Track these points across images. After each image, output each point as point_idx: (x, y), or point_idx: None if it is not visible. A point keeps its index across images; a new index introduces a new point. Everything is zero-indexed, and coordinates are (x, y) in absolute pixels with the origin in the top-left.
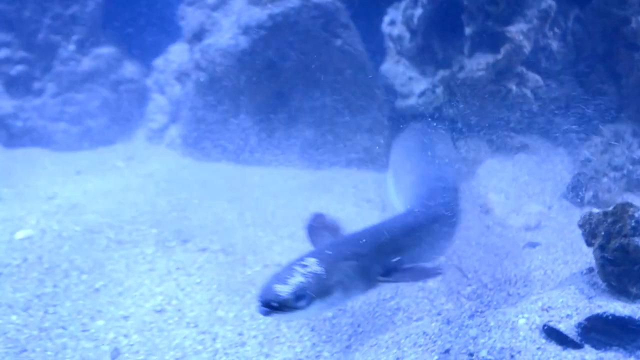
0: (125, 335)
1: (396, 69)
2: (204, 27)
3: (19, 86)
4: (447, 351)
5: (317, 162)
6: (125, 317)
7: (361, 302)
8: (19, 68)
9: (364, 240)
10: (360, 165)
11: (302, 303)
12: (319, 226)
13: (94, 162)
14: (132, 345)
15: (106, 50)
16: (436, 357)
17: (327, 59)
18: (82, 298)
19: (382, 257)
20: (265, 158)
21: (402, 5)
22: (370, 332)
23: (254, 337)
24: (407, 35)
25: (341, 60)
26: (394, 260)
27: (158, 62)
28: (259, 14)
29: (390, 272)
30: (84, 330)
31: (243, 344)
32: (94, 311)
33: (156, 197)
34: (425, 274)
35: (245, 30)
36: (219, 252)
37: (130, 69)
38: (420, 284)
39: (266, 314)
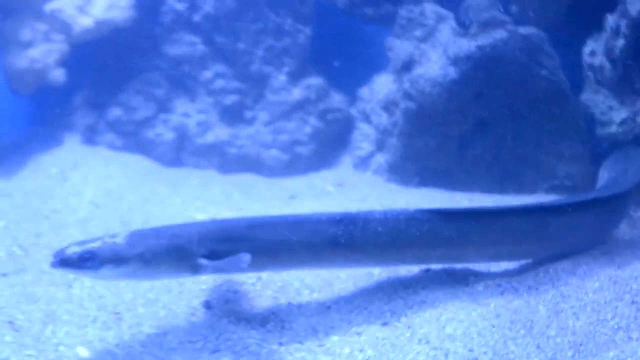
0: (360, 350)
1: (596, 98)
2: (412, 57)
3: (233, 115)
4: None
5: (520, 189)
6: (358, 334)
7: (582, 322)
8: (233, 98)
9: (197, 227)
10: (562, 192)
11: (89, 264)
12: None
13: (305, 187)
14: (367, 359)
15: (315, 81)
16: None
17: (531, 88)
18: (315, 315)
19: (209, 244)
20: (470, 184)
21: (604, 36)
22: (592, 350)
23: (484, 353)
24: (607, 65)
25: (545, 90)
26: (228, 248)
27: (363, 92)
28: (467, 45)
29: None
30: (320, 345)
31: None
32: (327, 327)
33: None
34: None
35: (455, 61)
36: (442, 272)
37: (337, 98)
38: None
39: (54, 266)
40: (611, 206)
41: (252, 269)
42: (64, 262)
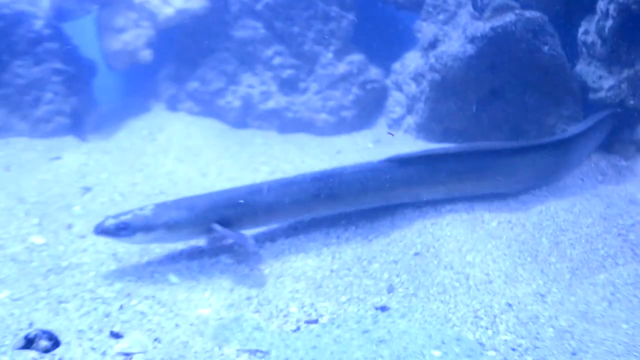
0: (397, 275)
1: (588, 69)
2: (437, 37)
3: (289, 86)
4: None
5: None
6: (395, 262)
7: (577, 251)
8: (289, 72)
9: (208, 198)
10: None
11: (124, 232)
12: None
13: (349, 144)
14: (402, 282)
15: (356, 58)
16: None
17: (535, 61)
18: (360, 247)
19: (219, 211)
20: (485, 140)
21: (595, 18)
22: (586, 274)
23: (498, 276)
24: (598, 41)
25: (546, 63)
26: (234, 216)
27: (396, 66)
28: (482, 27)
29: (227, 225)
30: (364, 271)
31: (491, 282)
32: (370, 257)
33: None
34: (243, 240)
35: (472, 39)
36: (463, 211)
37: (374, 71)
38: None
39: (97, 234)
40: (549, 152)
41: (255, 226)
42: (104, 231)
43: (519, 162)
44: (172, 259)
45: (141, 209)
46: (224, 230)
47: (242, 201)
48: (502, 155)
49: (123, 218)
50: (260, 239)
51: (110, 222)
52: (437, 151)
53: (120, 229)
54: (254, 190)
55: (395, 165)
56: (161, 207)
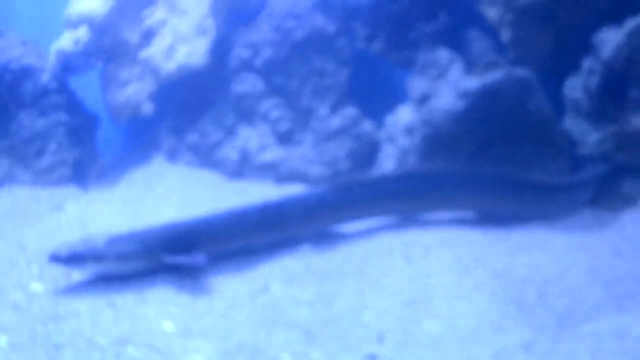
0: (387, 323)
1: (575, 124)
2: (429, 92)
3: (286, 138)
4: None
5: None
6: (387, 310)
7: (563, 302)
8: (287, 125)
9: (159, 230)
10: None
11: (76, 262)
12: None
13: None
14: (392, 331)
15: (350, 112)
16: None
17: (523, 116)
18: (352, 296)
19: (169, 243)
20: None
21: (581, 75)
22: (571, 324)
23: (485, 326)
24: (584, 98)
25: (534, 117)
26: (184, 243)
27: (388, 120)
28: (472, 83)
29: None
30: (355, 320)
31: (478, 331)
32: (362, 307)
33: None
34: (192, 261)
35: (463, 95)
36: (451, 262)
37: (367, 125)
38: None
39: (50, 261)
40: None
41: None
42: (56, 259)
43: (455, 192)
44: (167, 306)
45: (95, 239)
46: (173, 258)
47: (192, 232)
48: (440, 182)
49: (75, 249)
50: (254, 289)
51: (63, 251)
52: (374, 177)
53: (72, 258)
54: (204, 221)
55: (330, 193)
56: (113, 238)
